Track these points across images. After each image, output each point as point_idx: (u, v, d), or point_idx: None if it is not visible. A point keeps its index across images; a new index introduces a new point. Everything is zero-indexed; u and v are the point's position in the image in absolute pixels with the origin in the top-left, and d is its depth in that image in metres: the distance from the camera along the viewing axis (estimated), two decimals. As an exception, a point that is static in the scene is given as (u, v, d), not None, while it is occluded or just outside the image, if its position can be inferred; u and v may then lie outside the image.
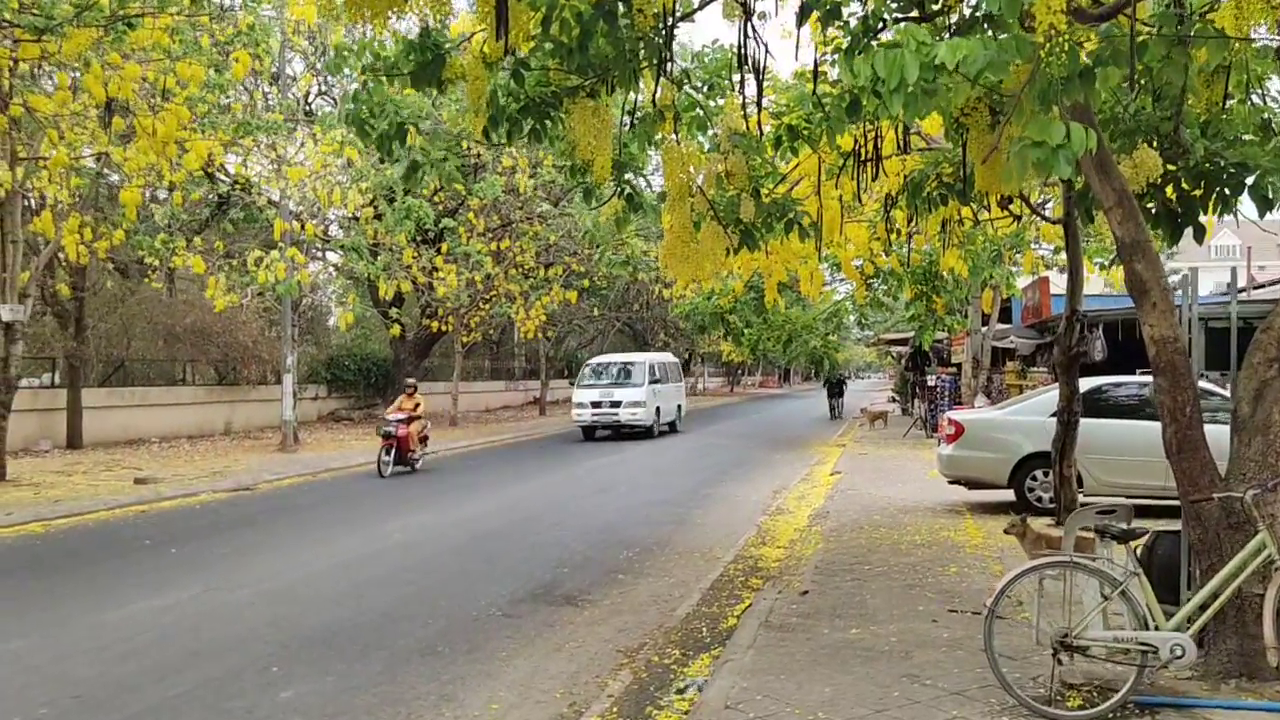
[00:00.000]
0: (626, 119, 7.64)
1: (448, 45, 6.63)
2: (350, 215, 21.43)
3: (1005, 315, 28.19)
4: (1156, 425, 11.78)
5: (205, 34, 11.19)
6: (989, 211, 9.49)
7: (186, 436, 23.91)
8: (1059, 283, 27.86)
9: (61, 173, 13.75)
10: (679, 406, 29.57)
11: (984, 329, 25.33)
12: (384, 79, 6.80)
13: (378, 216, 21.58)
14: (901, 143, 8.66)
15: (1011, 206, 9.17)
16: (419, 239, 25.76)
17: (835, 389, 39.39)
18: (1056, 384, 13.74)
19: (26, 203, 15.58)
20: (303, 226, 19.75)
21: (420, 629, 7.02)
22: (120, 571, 9.09)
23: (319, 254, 27.76)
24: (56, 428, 20.83)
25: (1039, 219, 10.67)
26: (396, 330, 22.70)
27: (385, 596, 7.98)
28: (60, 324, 20.75)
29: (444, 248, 25.50)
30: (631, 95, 7.56)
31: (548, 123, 7.27)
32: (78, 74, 10.10)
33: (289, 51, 20.36)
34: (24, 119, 12.98)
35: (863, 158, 8.67)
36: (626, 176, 7.98)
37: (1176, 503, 11.70)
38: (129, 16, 8.67)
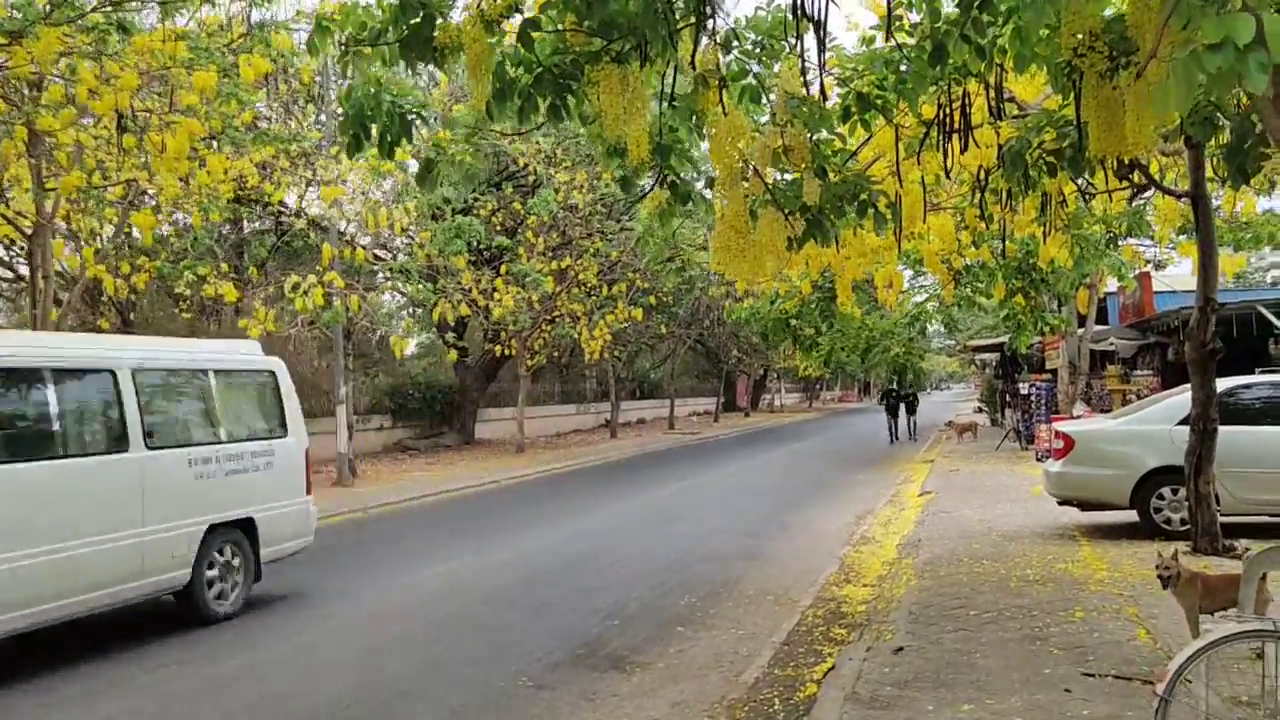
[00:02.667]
0: (665, 92, 6.47)
1: (440, 3, 5.54)
2: (400, 237, 20.70)
3: (1101, 316, 26.21)
4: (1303, 431, 10.19)
5: (218, 38, 10.37)
6: (1101, 183, 8.03)
7: (248, 472, 23.34)
8: (1159, 279, 25.83)
9: (90, 203, 13.14)
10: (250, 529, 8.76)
11: (1080, 331, 23.44)
12: (368, 51, 5.74)
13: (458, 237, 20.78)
14: (995, 108, 7.30)
15: (1133, 176, 7.71)
16: (475, 260, 24.97)
17: (900, 403, 30.81)
18: (1174, 389, 12.13)
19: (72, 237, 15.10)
20: (353, 251, 18.95)
21: (433, 707, 5.85)
22: (109, 642, 7.99)
23: (386, 280, 27.16)
24: (113, 467, 20.35)
25: (1158, 195, 9.17)
26: (453, 355, 21.81)
27: (402, 662, 6.84)
28: (113, 361, 20.31)
29: (503, 268, 24.67)
30: (669, 64, 6.39)
31: (569, 98, 6.13)
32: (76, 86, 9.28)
33: (333, 74, 19.69)
34: (54, 148, 12.37)
35: (949, 127, 7.36)
36: (670, 163, 6.81)
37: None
38: (114, 13, 7.82)
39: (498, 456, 27.57)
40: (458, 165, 7.26)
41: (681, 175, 7.05)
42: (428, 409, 31.37)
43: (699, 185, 7.43)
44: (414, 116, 6.31)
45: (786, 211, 6.66)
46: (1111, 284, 26.74)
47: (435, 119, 10.17)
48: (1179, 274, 40.98)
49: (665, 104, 6.43)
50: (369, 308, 19.33)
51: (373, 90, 6.06)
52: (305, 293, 14.20)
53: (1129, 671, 5.75)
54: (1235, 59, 3.17)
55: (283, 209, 18.20)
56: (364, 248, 20.06)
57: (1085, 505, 11.11)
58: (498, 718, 5.66)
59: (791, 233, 6.73)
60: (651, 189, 7.19)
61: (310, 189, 17.85)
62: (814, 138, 6.71)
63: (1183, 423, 10.22)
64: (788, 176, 7.06)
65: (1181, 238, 18.30)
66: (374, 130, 6.13)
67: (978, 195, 8.19)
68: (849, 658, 6.42)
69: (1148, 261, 25.69)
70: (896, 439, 29.98)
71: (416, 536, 13.29)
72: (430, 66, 6.35)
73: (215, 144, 12.06)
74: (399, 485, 19.91)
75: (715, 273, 7.80)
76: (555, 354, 33.49)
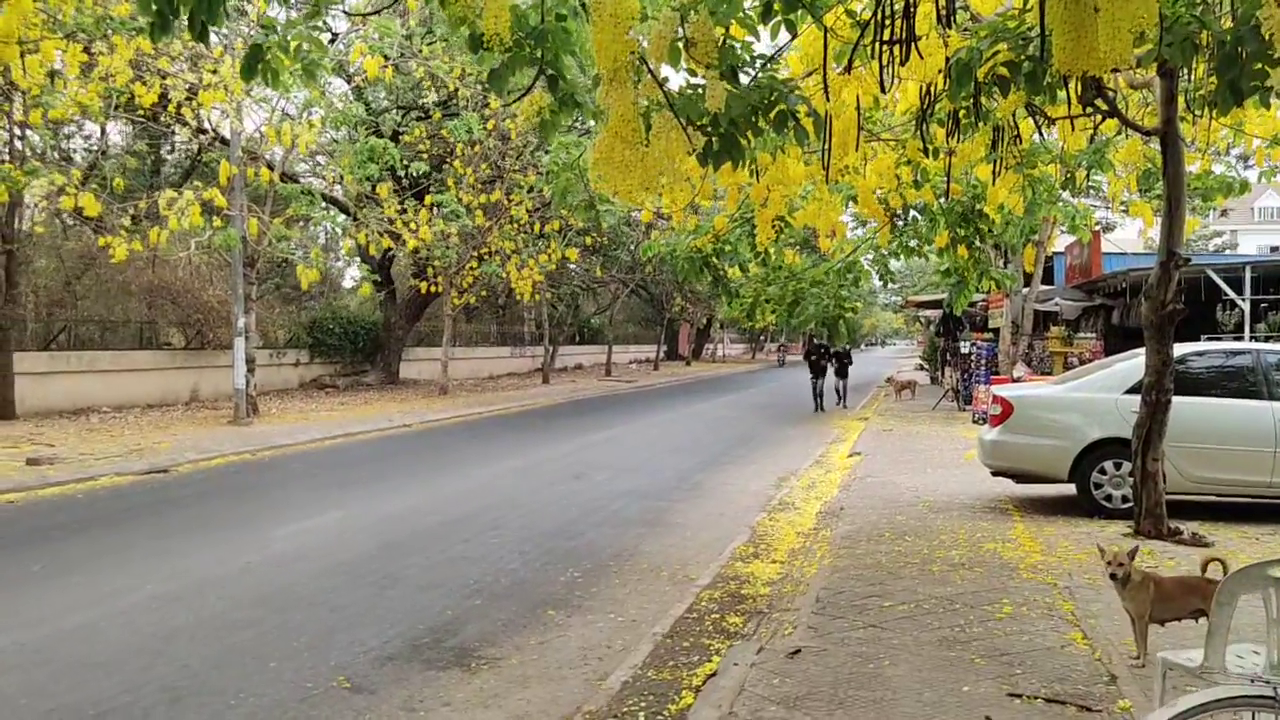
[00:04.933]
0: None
1: None
2: (307, 157, 19.09)
3: (1047, 276, 25.49)
4: (1258, 405, 9.33)
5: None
6: (1061, 112, 6.92)
7: (145, 405, 21.79)
8: (1107, 241, 25.09)
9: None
10: None
11: (1025, 290, 22.68)
12: None
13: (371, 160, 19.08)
14: (944, 14, 6.13)
15: (1097, 103, 6.60)
16: (400, 189, 23.38)
17: (825, 363, 25.11)
18: (1123, 354, 11.23)
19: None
20: (257, 171, 17.32)
21: (209, 718, 4.69)
22: None
23: (323, 209, 25.23)
24: (-14, 396, 18.72)
25: (1125, 132, 8.11)
26: (366, 289, 20.37)
27: (199, 651, 5.64)
28: (-13, 280, 18.56)
29: (428, 199, 23.12)
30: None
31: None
32: None
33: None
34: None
35: (887, 36, 6.19)
36: (549, 54, 5.56)
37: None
38: None
39: (419, 398, 26.27)
40: (296, 54, 5.89)
41: (565, 73, 5.80)
42: (349, 345, 29.84)
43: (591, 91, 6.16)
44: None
45: (687, 123, 5.49)
46: (1059, 243, 26.07)
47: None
48: (1127, 237, 40.75)
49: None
50: (270, 233, 17.75)
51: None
52: (181, 210, 12.67)
53: (1063, 692, 4.78)
54: None
55: (179, 119, 16.41)
56: (269, 167, 18.42)
57: (1021, 477, 10.23)
58: (284, 736, 4.53)
59: (690, 148, 5.57)
60: (531, 88, 5.94)
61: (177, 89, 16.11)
62: (725, 36, 5.52)
63: (1131, 391, 9.35)
64: (694, 81, 5.87)
65: (1134, 197, 17.44)
66: (181, 7, 4.82)
67: (920, 123, 7.07)
68: (735, 661, 5.37)
69: (1097, 223, 24.93)
70: (821, 408, 24.23)
71: (293, 486, 12.03)
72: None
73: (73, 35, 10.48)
74: (301, 426, 18.55)
75: (598, 192, 6.51)
76: (485, 293, 32.05)
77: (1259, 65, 4.66)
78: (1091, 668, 5.16)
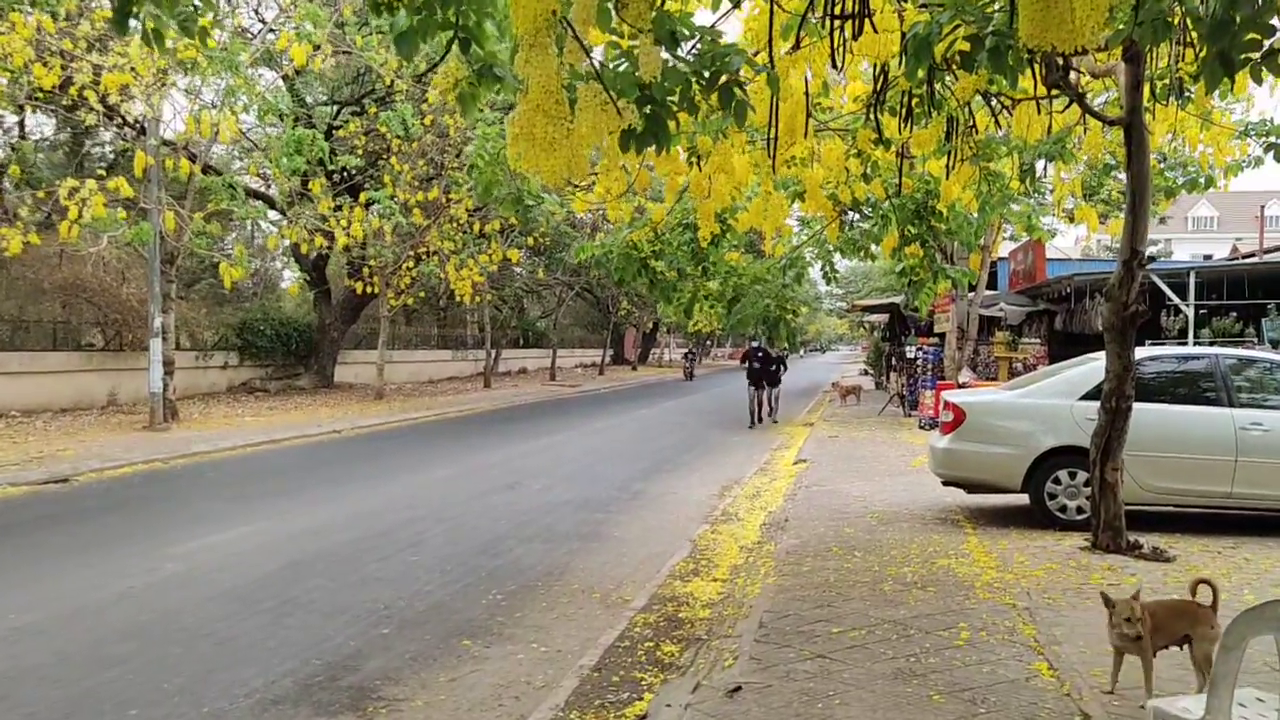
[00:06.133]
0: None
1: None
2: (236, 150, 18.16)
3: (991, 281, 25.40)
4: (1218, 412, 8.98)
5: None
6: (1020, 93, 6.45)
7: (58, 409, 20.61)
8: (1049, 248, 25.07)
9: None
10: None
11: (971, 294, 22.50)
12: None
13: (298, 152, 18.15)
14: (899, -13, 5.64)
15: (1062, 84, 6.13)
16: (335, 186, 22.48)
17: (762, 371, 21.93)
18: (1078, 358, 10.87)
19: None
20: (176, 163, 16.37)
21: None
22: None
23: (252, 205, 24.23)
24: (-119, 400, 17.50)
25: (1085, 124, 7.68)
26: (295, 290, 19.49)
27: (53, 693, 4.90)
28: (-119, 276, 17.35)
29: (363, 197, 22.24)
30: None
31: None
32: None
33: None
34: None
35: (839, 11, 5.67)
36: (464, 15, 4.95)
37: (1251, 514, 8.98)
38: None
39: (353, 402, 25.35)
40: (171, 8, 5.11)
41: (484, 41, 5.18)
42: (281, 347, 28.71)
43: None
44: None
45: (618, 96, 4.90)
46: (1003, 248, 26.01)
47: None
48: (1064, 244, 41.19)
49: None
50: (190, 228, 16.79)
51: None
52: (84, 201, 11.76)
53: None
54: None
55: (83, 102, 15.36)
56: (191, 158, 17.45)
57: (973, 487, 9.80)
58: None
59: (623, 123, 4.97)
60: (445, 56, 5.31)
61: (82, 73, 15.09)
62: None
63: (1086, 397, 8.98)
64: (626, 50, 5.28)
65: (1079, 201, 17.25)
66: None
67: (872, 112, 6.56)
68: (667, 702, 4.78)
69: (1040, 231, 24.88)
70: (757, 421, 21.56)
71: (201, 498, 11.18)
72: None
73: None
74: (223, 431, 17.61)
75: (514, 170, 5.91)
76: (425, 295, 31.13)
77: (1251, 35, 4.20)
78: (1061, 704, 4.66)
